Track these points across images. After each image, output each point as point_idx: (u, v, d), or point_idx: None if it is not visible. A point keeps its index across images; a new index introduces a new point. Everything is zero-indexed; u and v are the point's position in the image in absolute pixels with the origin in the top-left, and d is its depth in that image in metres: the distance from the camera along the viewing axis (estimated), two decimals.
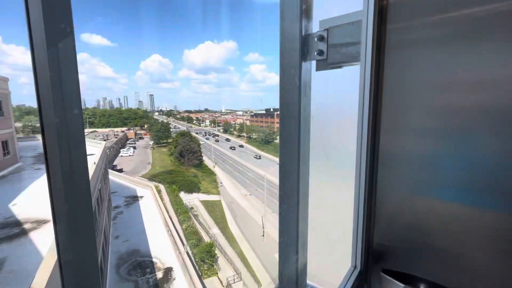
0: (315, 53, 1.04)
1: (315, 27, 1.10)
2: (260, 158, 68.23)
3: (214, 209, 40.51)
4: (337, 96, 1.36)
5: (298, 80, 1.07)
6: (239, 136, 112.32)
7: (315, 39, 1.03)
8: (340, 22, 0.96)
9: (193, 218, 33.40)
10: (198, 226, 31.44)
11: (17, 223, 9.24)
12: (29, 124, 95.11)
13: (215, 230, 32.88)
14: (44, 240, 7.99)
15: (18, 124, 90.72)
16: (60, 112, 0.58)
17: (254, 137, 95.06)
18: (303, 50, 1.06)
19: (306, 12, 1.06)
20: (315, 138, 1.31)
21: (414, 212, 0.88)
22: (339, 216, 1.37)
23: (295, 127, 1.12)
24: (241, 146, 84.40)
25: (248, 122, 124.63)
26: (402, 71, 0.88)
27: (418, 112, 0.88)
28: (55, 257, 5.36)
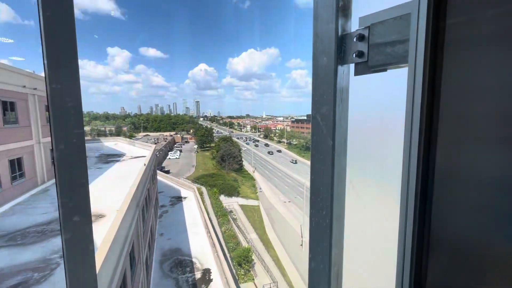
0: (354, 55, 0.89)
1: (354, 26, 0.96)
2: (296, 163, 69.62)
3: (252, 214, 40.82)
4: (381, 103, 1.18)
5: (333, 86, 0.94)
6: (279, 142, 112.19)
7: (354, 39, 0.89)
8: (384, 17, 0.80)
9: (232, 221, 34.08)
10: (236, 230, 31.94)
11: None
12: (95, 128, 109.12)
13: (253, 235, 33.00)
14: (100, 233, 8.91)
15: (87, 128, 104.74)
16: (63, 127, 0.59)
17: (294, 143, 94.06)
18: (340, 52, 0.92)
19: (343, 9, 0.93)
20: (354, 151, 1.15)
21: (484, 252, 0.66)
22: (381, 246, 1.17)
23: (328, 140, 0.98)
24: (279, 151, 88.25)
25: (288, 128, 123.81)
26: (466, 72, 0.69)
27: (493, 119, 0.67)
28: (107, 249, 5.87)
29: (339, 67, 0.91)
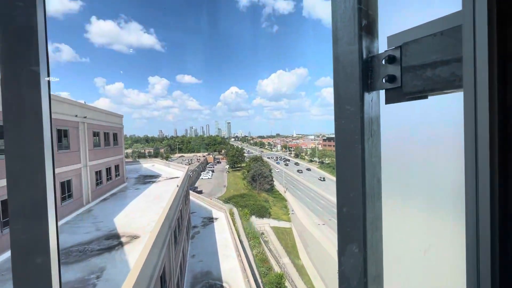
0: (383, 80, 0.74)
1: (381, 46, 0.81)
2: (324, 180, 70.51)
3: (284, 236, 39.33)
4: (422, 135, 0.97)
5: (360, 118, 0.78)
6: (310, 161, 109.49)
7: (383, 61, 0.74)
8: (419, 34, 0.65)
9: (263, 244, 33.07)
10: (268, 253, 30.82)
11: (117, 236, 11.00)
12: (136, 150, 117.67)
13: (286, 260, 31.50)
14: (134, 254, 9.15)
15: (129, 150, 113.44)
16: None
17: (327, 161, 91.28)
18: (366, 77, 0.77)
19: (367, 28, 0.79)
20: (391, 195, 0.94)
21: None
22: None
23: (357, 182, 0.80)
24: (308, 169, 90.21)
25: (320, 147, 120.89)
26: None
27: None
28: (138, 273, 5.90)
29: (366, 95, 0.75)
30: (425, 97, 0.66)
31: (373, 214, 0.80)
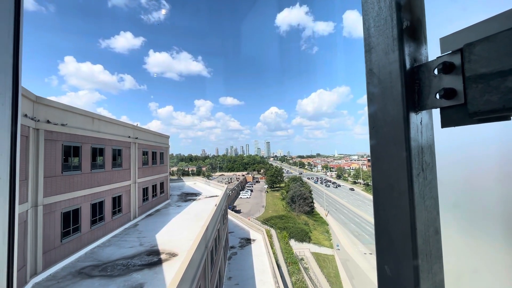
0: (437, 96, 0.53)
1: (432, 52, 0.60)
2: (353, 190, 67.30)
3: (326, 264, 36.53)
4: (497, 168, 0.69)
5: (405, 147, 0.56)
6: (354, 182, 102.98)
7: (435, 70, 0.54)
8: (490, 30, 0.47)
9: (303, 271, 31.04)
10: (308, 282, 28.71)
11: (157, 253, 11.34)
12: (181, 168, 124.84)
13: None
14: (171, 272, 9.25)
15: (174, 168, 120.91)
16: None
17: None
18: (411, 92, 0.57)
19: (410, 30, 0.59)
20: (453, 250, 0.68)
21: None
22: None
23: (404, 236, 0.58)
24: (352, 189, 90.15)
25: (365, 167, 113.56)
26: None
27: None
28: None
29: (413, 115, 0.59)
30: (507, 117, 0.47)
31: (430, 283, 0.58)
